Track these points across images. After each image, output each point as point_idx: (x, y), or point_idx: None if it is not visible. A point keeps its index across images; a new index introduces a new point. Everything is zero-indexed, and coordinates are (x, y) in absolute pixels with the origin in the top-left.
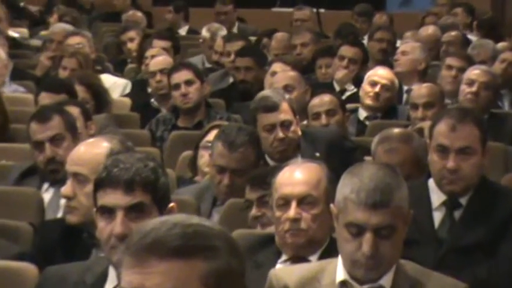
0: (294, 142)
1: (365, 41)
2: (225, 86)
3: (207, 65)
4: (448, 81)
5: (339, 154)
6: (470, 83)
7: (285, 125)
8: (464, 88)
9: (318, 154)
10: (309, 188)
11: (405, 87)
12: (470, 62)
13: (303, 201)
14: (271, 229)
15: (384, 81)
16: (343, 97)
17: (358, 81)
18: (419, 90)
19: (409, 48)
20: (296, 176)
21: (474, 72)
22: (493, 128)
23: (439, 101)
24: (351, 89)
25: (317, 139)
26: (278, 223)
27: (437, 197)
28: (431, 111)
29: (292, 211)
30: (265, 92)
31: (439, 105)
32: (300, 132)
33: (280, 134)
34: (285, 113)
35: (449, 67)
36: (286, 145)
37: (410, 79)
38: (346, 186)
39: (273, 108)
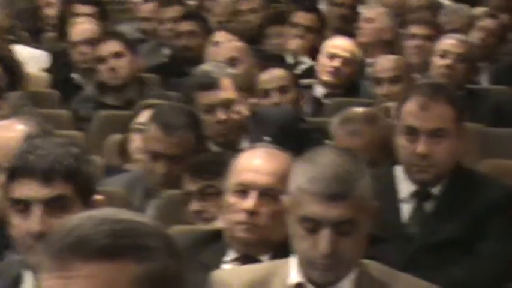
0: (239, 124)
1: (322, 6)
2: (161, 60)
3: (140, 35)
4: (412, 53)
5: (292, 138)
6: (444, 54)
7: (227, 104)
8: (436, 61)
9: (268, 138)
10: (275, 180)
11: (369, 60)
12: (438, 29)
13: (265, 193)
14: (215, 225)
15: (344, 54)
16: (297, 71)
17: (314, 53)
18: (384, 62)
19: (373, 15)
20: (262, 164)
21: (448, 42)
22: (469, 106)
23: (407, 76)
24: (305, 61)
25: (267, 120)
26: (230, 212)
27: (405, 186)
28: (397, 87)
29: (251, 202)
30: (204, 67)
31: (407, 81)
32: (246, 113)
33: (221, 116)
34: (226, 91)
35: (413, 36)
36: (229, 128)
37: (375, 51)
38: (300, 175)
39: (212, 85)
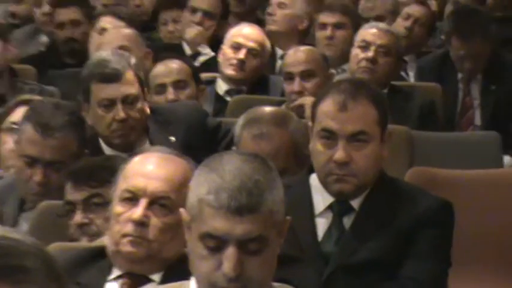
0: (140, 124)
1: None
2: (37, 49)
3: (13, 20)
4: (323, 44)
5: (201, 138)
6: (365, 46)
7: (129, 101)
8: (356, 53)
9: (173, 139)
10: (168, 188)
11: (280, 52)
12: (354, 17)
13: (156, 202)
14: (101, 241)
15: (251, 44)
16: (197, 63)
17: (216, 43)
18: (295, 54)
19: (287, 0)
20: (155, 169)
21: (369, 32)
22: (394, 106)
23: (322, 70)
24: (206, 52)
25: (172, 119)
26: (116, 222)
27: (321, 198)
28: (311, 82)
29: (139, 211)
30: (104, 55)
31: (322, 76)
32: (148, 111)
33: (122, 113)
34: (129, 85)
35: (323, 26)
36: (129, 128)
37: (288, 41)
38: (202, 185)
39: (114, 77)
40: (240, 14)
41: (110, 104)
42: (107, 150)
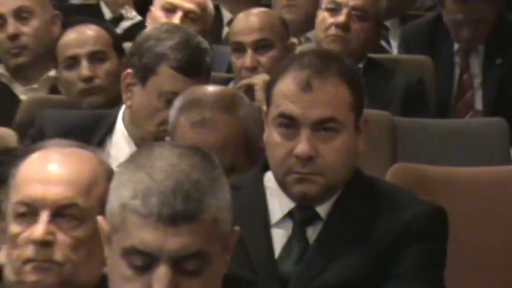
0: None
1: None
2: None
3: None
4: (282, 6)
5: None
6: (334, 8)
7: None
8: (323, 17)
9: None
10: (74, 192)
11: (228, 16)
12: None
13: (61, 213)
14: None
15: (188, 6)
16: (119, 30)
17: (144, 3)
18: (247, 19)
19: None
20: (54, 170)
21: None
22: (372, 85)
23: (281, 39)
24: (131, 16)
25: None
26: (14, 246)
27: (279, 203)
28: (267, 55)
29: (40, 228)
30: None
31: (281, 47)
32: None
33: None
34: None
35: None
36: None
37: (237, 2)
38: (125, 187)
39: None
40: None
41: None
42: None
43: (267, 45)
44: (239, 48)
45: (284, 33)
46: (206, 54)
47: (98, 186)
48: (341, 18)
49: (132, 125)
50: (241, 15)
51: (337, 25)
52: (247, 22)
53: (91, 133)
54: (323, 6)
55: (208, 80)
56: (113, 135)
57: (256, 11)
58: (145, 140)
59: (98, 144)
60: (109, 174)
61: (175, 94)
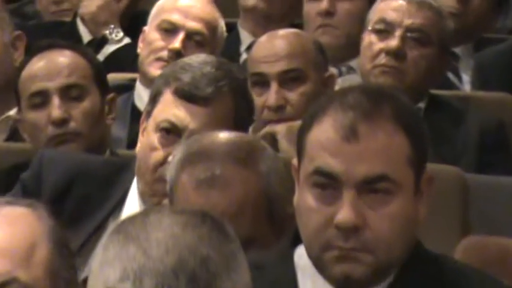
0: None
1: None
2: None
3: None
4: (316, 25)
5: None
6: (385, 30)
7: None
8: (371, 42)
9: None
10: (9, 265)
11: (247, 39)
12: None
13: None
14: None
15: (192, 25)
16: (100, 56)
17: (133, 22)
18: (271, 44)
19: None
20: None
21: (392, 6)
22: (437, 131)
23: (316, 70)
24: (116, 38)
25: None
26: None
27: (313, 287)
28: (297, 91)
29: None
30: None
31: (316, 80)
32: None
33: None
34: None
35: None
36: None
37: (263, 21)
38: (111, 266)
39: None
40: None
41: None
42: None
43: (297, 77)
44: (261, 81)
45: (320, 61)
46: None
47: (40, 250)
48: (393, 42)
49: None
50: (263, 39)
51: (389, 52)
52: (272, 47)
53: (107, 186)
54: (370, 27)
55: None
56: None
57: (283, 32)
58: (147, 198)
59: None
60: (53, 232)
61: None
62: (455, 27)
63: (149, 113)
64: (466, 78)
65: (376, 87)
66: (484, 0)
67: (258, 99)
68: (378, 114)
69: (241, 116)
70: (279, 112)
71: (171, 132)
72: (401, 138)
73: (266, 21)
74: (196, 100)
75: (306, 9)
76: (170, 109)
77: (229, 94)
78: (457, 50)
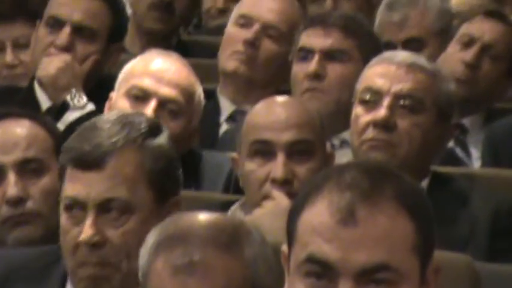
0: None
1: None
2: None
3: None
4: (303, 89)
5: None
6: (371, 100)
7: None
8: (358, 112)
9: None
10: None
11: (228, 107)
12: (364, 39)
13: None
14: None
15: (164, 92)
16: (61, 125)
17: (100, 86)
18: (272, 111)
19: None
20: None
21: (379, 71)
22: (442, 213)
23: (322, 144)
24: (80, 104)
25: None
26: None
27: None
28: (305, 167)
29: None
30: None
31: (321, 156)
32: None
33: None
34: None
35: (305, 53)
36: None
37: (251, 89)
38: None
39: None
40: (155, 33)
41: None
42: None
43: (305, 150)
44: (265, 149)
45: (324, 135)
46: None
47: None
48: (381, 113)
49: None
50: (263, 105)
51: (376, 124)
52: (279, 114)
53: (44, 278)
54: (358, 93)
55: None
56: None
57: (285, 100)
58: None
59: None
60: None
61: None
62: (463, 95)
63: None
64: (475, 153)
65: (376, 165)
66: (494, 66)
67: (260, 170)
68: (378, 194)
69: (154, 170)
70: (286, 186)
71: (75, 207)
72: (405, 222)
73: (248, 88)
74: (89, 166)
75: (294, 70)
76: (69, 185)
77: (127, 149)
78: (465, 121)
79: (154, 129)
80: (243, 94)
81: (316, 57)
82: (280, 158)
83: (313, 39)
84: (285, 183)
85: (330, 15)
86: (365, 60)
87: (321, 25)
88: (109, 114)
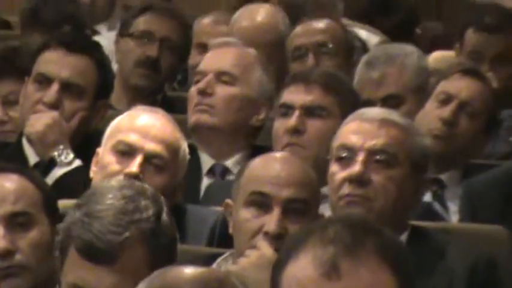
0: None
1: None
2: None
3: None
4: (283, 144)
5: None
6: (347, 157)
7: None
8: (333, 172)
9: None
10: None
11: (209, 162)
12: (344, 95)
13: None
14: None
15: (149, 147)
16: (49, 180)
17: (87, 143)
18: (275, 165)
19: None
20: None
21: (353, 128)
22: (421, 267)
23: (316, 203)
24: (67, 160)
25: None
26: None
27: None
28: (299, 226)
29: None
30: None
31: (315, 213)
32: None
33: None
34: None
35: (286, 109)
36: None
37: (228, 143)
38: None
39: None
40: (141, 90)
41: None
42: None
43: (300, 209)
44: (262, 202)
45: (319, 195)
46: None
47: None
48: (355, 169)
49: None
50: (263, 161)
51: (351, 180)
52: (280, 170)
53: None
54: (334, 151)
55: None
56: None
57: (285, 156)
58: None
59: None
60: None
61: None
62: (441, 151)
63: (62, 264)
64: (453, 207)
65: (358, 219)
66: (471, 123)
67: (254, 221)
68: (360, 249)
69: (159, 258)
70: (277, 241)
71: None
72: (387, 276)
73: (230, 142)
74: (99, 261)
75: (275, 126)
76: (76, 270)
77: (137, 243)
78: (443, 176)
79: (158, 211)
80: (217, 146)
81: (297, 113)
82: (276, 212)
83: (294, 95)
84: (277, 238)
85: (312, 72)
86: (344, 116)
87: (302, 82)
88: (112, 191)
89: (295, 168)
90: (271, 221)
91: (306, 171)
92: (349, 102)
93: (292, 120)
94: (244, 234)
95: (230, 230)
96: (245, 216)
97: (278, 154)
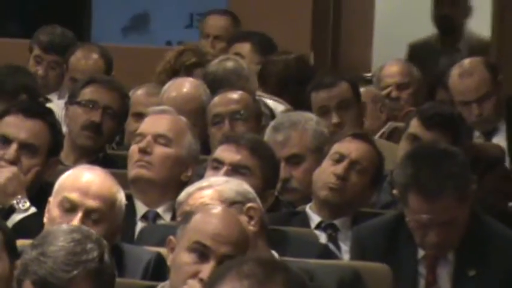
0: None
1: None
2: None
3: None
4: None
5: None
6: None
7: None
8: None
9: None
10: None
11: (142, 209)
12: (264, 159)
13: None
14: None
15: (89, 203)
16: (9, 223)
17: (41, 193)
18: (216, 222)
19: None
20: None
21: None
22: None
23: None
24: (24, 207)
25: None
26: None
27: None
28: None
29: None
30: None
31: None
32: None
33: None
34: None
35: (216, 164)
36: None
37: (161, 196)
38: None
39: None
40: (86, 149)
41: None
42: None
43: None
44: (201, 252)
45: (248, 246)
46: None
47: None
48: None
49: None
50: (211, 216)
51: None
52: (219, 228)
53: None
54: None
55: None
56: None
57: (226, 213)
58: None
59: None
60: None
61: None
62: (335, 201)
63: None
64: (344, 248)
65: (269, 259)
66: (360, 178)
67: (192, 266)
68: (270, 283)
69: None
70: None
71: None
72: None
73: (152, 189)
74: None
75: (206, 176)
76: None
77: (84, 280)
78: (337, 222)
79: (101, 253)
80: (151, 196)
81: (225, 168)
82: (212, 264)
83: (225, 153)
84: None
85: (243, 136)
86: (264, 179)
87: (234, 143)
88: (63, 234)
89: (235, 228)
90: (206, 270)
91: (243, 231)
92: (269, 167)
93: (220, 175)
94: (181, 274)
95: (168, 263)
96: (186, 260)
97: (218, 211)
